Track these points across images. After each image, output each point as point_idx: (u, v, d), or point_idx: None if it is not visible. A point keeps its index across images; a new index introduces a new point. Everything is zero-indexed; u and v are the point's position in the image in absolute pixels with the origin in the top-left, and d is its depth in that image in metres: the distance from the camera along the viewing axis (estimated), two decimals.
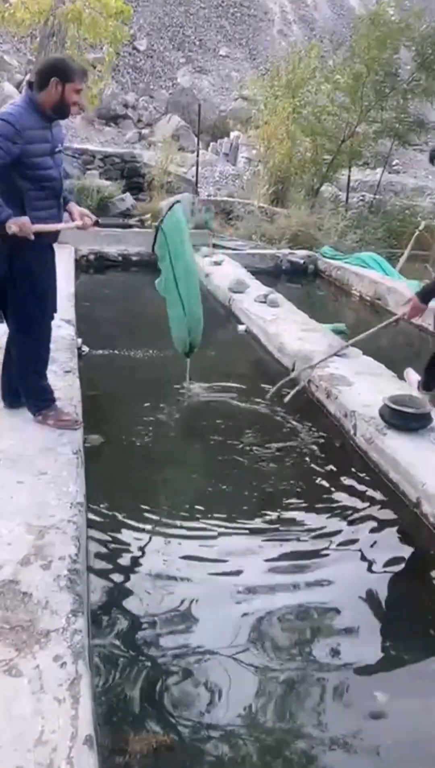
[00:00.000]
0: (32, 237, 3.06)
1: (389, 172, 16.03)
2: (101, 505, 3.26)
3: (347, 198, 13.41)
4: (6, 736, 1.73)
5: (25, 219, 3.04)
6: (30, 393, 3.56)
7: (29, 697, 1.86)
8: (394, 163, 17.25)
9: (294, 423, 4.40)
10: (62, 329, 5.01)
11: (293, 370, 5.27)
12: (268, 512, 3.39)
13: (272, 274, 9.38)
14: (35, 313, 3.40)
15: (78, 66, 3.40)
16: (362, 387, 4.57)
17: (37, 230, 3.10)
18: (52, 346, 3.65)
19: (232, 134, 17.05)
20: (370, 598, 2.86)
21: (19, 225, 3.00)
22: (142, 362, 5.37)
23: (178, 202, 4.98)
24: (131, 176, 12.88)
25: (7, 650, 2.01)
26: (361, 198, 14.52)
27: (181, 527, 3.23)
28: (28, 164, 3.08)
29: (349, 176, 13.44)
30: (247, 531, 3.26)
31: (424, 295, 3.45)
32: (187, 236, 4.60)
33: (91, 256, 8.76)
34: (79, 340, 5.20)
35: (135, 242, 9.48)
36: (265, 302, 6.79)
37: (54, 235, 3.38)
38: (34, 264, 3.28)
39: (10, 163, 3.02)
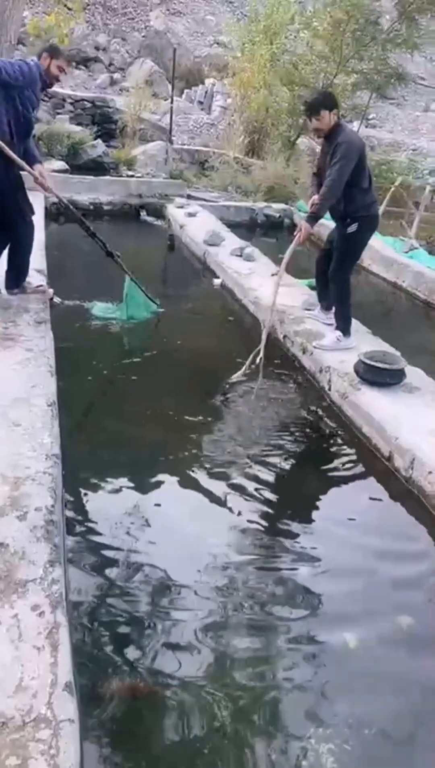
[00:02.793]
0: None
1: (365, 126, 15.76)
2: (73, 456, 3.23)
3: None
4: None
5: None
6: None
7: (8, 645, 1.87)
8: (370, 117, 16.96)
9: (269, 378, 4.40)
10: (33, 279, 4.91)
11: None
12: (241, 463, 3.42)
13: (247, 228, 9.26)
14: None
15: (66, 53, 4.57)
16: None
17: None
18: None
19: (208, 81, 16.54)
20: (340, 548, 2.92)
21: None
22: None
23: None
24: (103, 122, 12.43)
25: None
26: None
27: (154, 476, 3.25)
28: (20, 98, 4.08)
29: None
30: (220, 480, 3.28)
31: (309, 220, 4.30)
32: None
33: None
34: (51, 291, 5.08)
35: (106, 191, 9.24)
36: (240, 256, 6.71)
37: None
38: None
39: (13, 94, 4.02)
